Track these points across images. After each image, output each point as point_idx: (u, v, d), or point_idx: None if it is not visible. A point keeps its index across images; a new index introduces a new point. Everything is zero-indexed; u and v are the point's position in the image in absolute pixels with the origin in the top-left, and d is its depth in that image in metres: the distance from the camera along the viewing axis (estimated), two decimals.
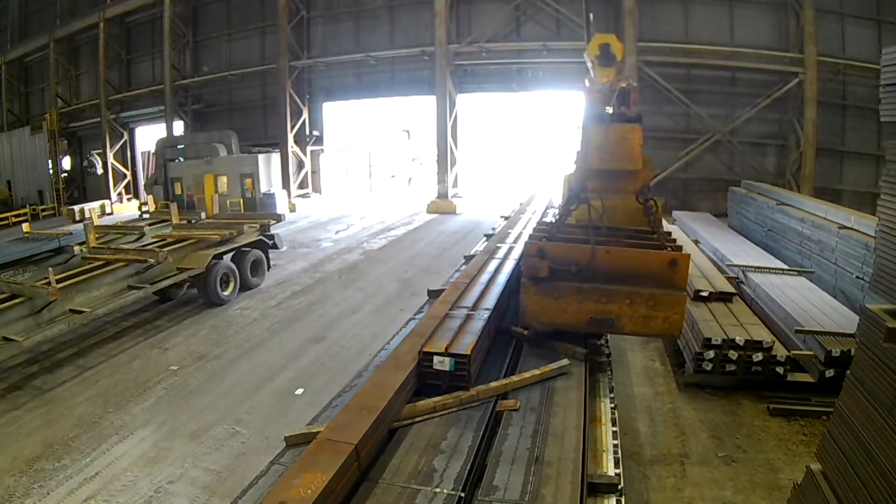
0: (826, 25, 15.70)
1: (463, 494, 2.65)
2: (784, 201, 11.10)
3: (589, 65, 5.45)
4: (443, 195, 19.48)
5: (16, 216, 21.33)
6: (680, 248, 4.21)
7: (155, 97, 23.62)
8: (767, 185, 13.27)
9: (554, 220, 4.72)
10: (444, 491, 2.65)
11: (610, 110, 4.44)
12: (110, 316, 8.93)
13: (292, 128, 21.24)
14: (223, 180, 20.50)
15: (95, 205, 22.51)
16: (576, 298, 3.97)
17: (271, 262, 11.28)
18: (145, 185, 24.26)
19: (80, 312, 7.50)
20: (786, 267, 8.86)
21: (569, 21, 17.37)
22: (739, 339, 5.98)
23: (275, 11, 20.58)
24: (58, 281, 7.29)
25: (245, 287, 10.40)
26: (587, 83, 6.65)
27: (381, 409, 3.04)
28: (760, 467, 4.94)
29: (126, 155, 25.85)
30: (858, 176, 15.97)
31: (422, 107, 21.09)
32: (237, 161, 20.80)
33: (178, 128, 23.86)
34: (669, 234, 4.33)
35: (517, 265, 6.00)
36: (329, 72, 21.64)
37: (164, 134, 23.14)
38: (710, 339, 6.03)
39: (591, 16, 9.87)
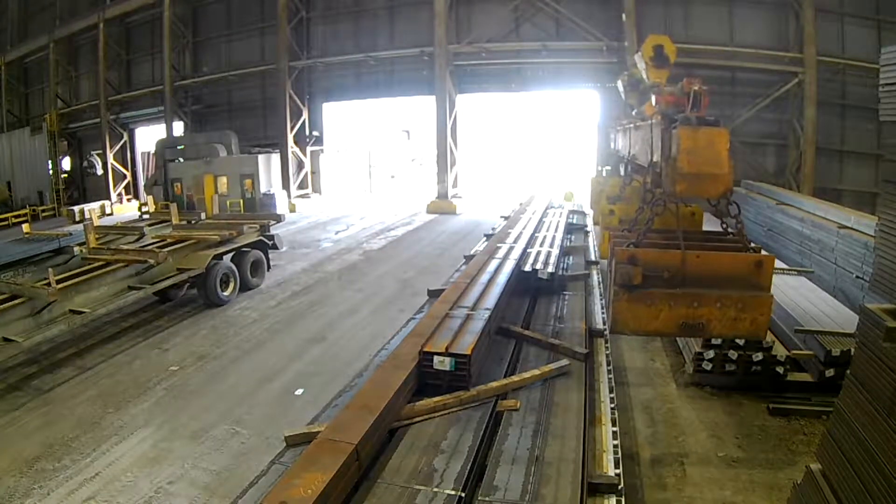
0: (826, 25, 15.70)
1: (463, 494, 2.64)
2: (784, 201, 11.11)
3: (641, 66, 5.43)
4: (443, 195, 19.49)
5: (16, 217, 21.32)
6: (759, 249, 4.23)
7: (155, 98, 23.60)
8: (767, 185, 13.29)
9: (631, 226, 4.68)
10: (445, 491, 2.65)
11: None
12: (110, 316, 8.93)
13: (292, 128, 21.24)
14: (223, 181, 20.50)
15: (95, 205, 22.51)
16: (668, 304, 3.95)
17: (271, 263, 11.28)
18: (145, 186, 24.24)
19: (80, 313, 7.51)
20: (786, 266, 8.86)
21: (568, 21, 17.37)
22: (739, 339, 5.98)
23: (275, 12, 20.57)
24: (57, 281, 7.30)
25: (245, 287, 10.40)
26: (620, 85, 6.59)
27: (381, 409, 3.04)
28: (760, 467, 4.94)
29: (126, 155, 25.85)
30: (858, 176, 15.97)
31: (422, 107, 21.09)
32: (237, 161, 20.80)
33: (178, 128, 23.85)
34: (745, 236, 4.35)
35: (517, 265, 6.01)
36: (329, 72, 21.63)
37: (163, 134, 23.13)
38: (710, 339, 6.03)
39: (623, 16, 9.81)
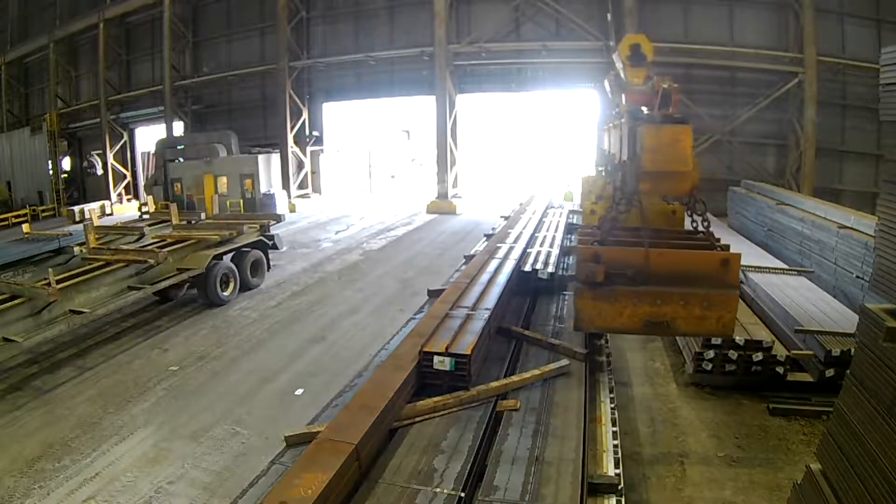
0: (826, 25, 15.70)
1: (463, 494, 2.65)
2: (784, 201, 11.10)
3: (619, 65, 5.43)
4: (443, 195, 19.48)
5: (16, 217, 21.31)
6: (727, 247, 4.23)
7: (155, 98, 23.61)
8: (767, 185, 13.26)
9: (599, 224, 4.68)
10: (445, 491, 2.65)
11: (644, 111, 4.43)
12: (110, 316, 8.93)
13: (292, 128, 21.24)
14: (223, 181, 20.50)
15: (95, 205, 22.51)
16: (632, 302, 3.95)
17: (271, 263, 11.28)
18: (145, 186, 24.25)
19: (80, 313, 7.51)
20: (786, 267, 8.85)
21: (568, 21, 17.37)
22: (739, 339, 5.98)
23: (275, 12, 20.57)
24: (58, 282, 7.30)
25: (245, 287, 10.40)
26: (606, 85, 6.62)
27: (381, 409, 3.04)
28: (760, 467, 4.94)
29: (126, 155, 25.85)
30: (858, 176, 15.97)
31: (422, 107, 21.10)
32: (237, 161, 20.80)
33: (178, 128, 23.84)
34: (713, 234, 4.35)
35: (517, 265, 6.01)
36: (329, 72, 21.63)
37: (163, 134, 23.14)
38: (710, 339, 6.03)
39: (608, 16, 9.82)
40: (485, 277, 5.46)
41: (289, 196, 20.87)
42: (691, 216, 4.30)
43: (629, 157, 4.15)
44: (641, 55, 5.06)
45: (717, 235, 4.35)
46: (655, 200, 4.60)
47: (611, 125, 7.00)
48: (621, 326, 4.08)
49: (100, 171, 25.00)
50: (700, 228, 4.25)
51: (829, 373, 5.70)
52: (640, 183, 3.99)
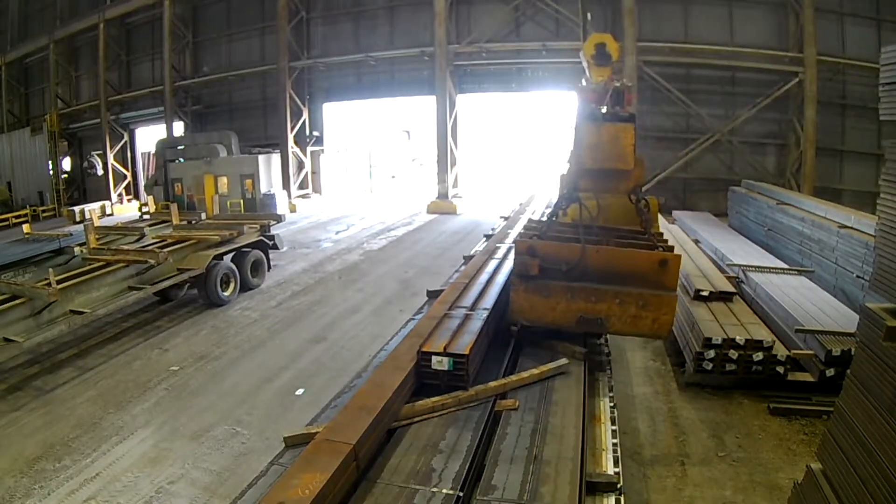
0: (826, 25, 15.69)
1: (461, 494, 2.64)
2: (784, 201, 11.09)
3: (585, 64, 5.45)
4: (443, 195, 19.49)
5: (16, 217, 21.34)
6: (671, 248, 4.20)
7: (155, 98, 23.62)
8: (767, 185, 13.25)
9: (545, 219, 4.72)
10: (443, 491, 2.65)
11: (604, 110, 4.44)
12: (111, 317, 8.94)
13: (292, 128, 21.24)
14: (223, 181, 20.50)
15: (96, 206, 22.52)
16: (565, 297, 3.97)
17: (272, 263, 11.29)
18: (145, 186, 24.26)
19: (81, 313, 7.51)
20: (786, 266, 8.85)
21: (568, 21, 17.36)
22: (740, 339, 5.97)
23: (275, 12, 20.58)
24: (58, 282, 7.29)
25: (245, 287, 10.40)
26: (583, 82, 6.66)
27: (379, 410, 3.04)
28: (760, 467, 4.93)
29: (126, 156, 25.86)
30: (858, 175, 15.96)
31: (422, 107, 21.09)
32: (237, 162, 20.81)
33: (178, 128, 23.86)
34: (661, 234, 4.33)
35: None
36: (329, 72, 21.64)
37: (164, 135, 23.14)
38: (710, 339, 6.03)
39: (588, 15, 9.85)
40: (484, 277, 5.45)
41: (289, 196, 20.88)
42: (639, 214, 4.29)
43: (572, 155, 4.17)
44: (607, 54, 5.09)
45: (666, 237, 4.33)
46: (621, 197, 4.58)
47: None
48: (555, 320, 4.10)
49: (100, 172, 25.00)
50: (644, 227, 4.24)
51: (830, 372, 5.70)
52: (580, 180, 4.01)
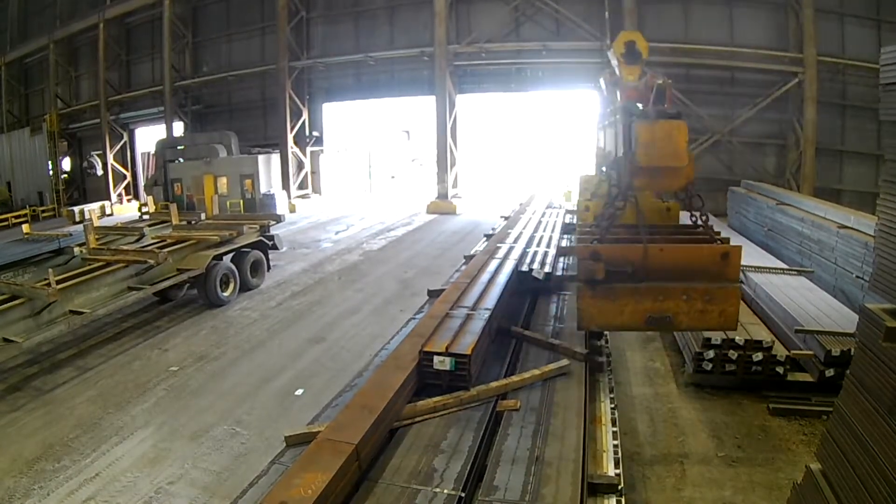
0: (826, 25, 15.70)
1: (463, 494, 2.65)
2: (784, 201, 11.09)
3: (614, 62, 5.44)
4: (443, 195, 19.49)
5: (16, 217, 21.33)
6: (727, 240, 4.20)
7: (155, 98, 23.62)
8: (767, 185, 13.26)
9: (596, 222, 4.68)
10: (445, 491, 2.65)
11: (639, 107, 4.43)
12: (110, 317, 8.93)
13: (292, 128, 21.24)
14: (223, 181, 20.50)
15: (95, 206, 22.51)
16: (633, 299, 3.94)
17: (271, 263, 11.28)
18: (145, 186, 24.25)
19: (80, 313, 7.50)
20: (786, 267, 8.85)
21: (568, 21, 17.38)
22: (739, 339, 5.98)
23: (274, 12, 20.58)
24: (57, 282, 7.29)
25: (245, 288, 10.40)
26: (602, 82, 6.64)
27: (381, 409, 3.04)
28: (760, 467, 4.94)
29: (126, 156, 25.87)
30: (858, 176, 15.98)
31: (422, 107, 21.10)
32: (237, 162, 20.81)
33: (178, 129, 23.86)
34: (713, 227, 4.34)
35: (517, 265, 6.01)
36: (329, 72, 21.64)
37: (163, 135, 23.15)
38: (709, 339, 6.03)
39: (607, 14, 9.78)
40: (485, 277, 5.45)
41: (289, 196, 20.88)
42: (689, 211, 4.29)
43: (624, 154, 4.15)
44: (636, 52, 5.08)
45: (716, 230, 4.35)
46: (649, 198, 4.59)
47: (606, 123, 7.02)
48: (624, 324, 4.07)
49: (100, 172, 25.01)
50: (699, 222, 4.25)
51: (829, 373, 5.70)
52: (634, 179, 3.99)
